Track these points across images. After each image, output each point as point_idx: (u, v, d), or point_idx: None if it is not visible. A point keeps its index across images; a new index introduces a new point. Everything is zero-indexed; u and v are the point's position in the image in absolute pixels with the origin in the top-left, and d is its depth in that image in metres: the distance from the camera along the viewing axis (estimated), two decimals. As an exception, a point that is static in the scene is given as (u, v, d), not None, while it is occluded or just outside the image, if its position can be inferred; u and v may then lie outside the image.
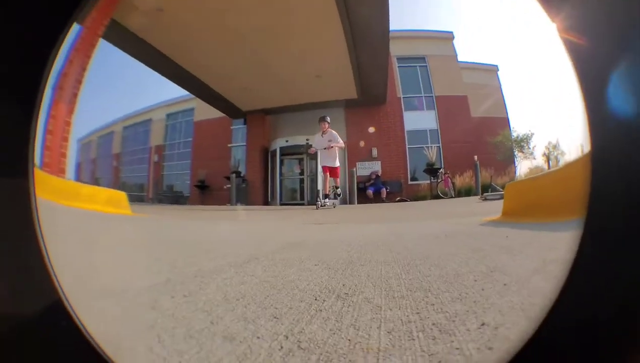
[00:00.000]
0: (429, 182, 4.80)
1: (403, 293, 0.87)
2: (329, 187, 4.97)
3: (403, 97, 5.01)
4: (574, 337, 0.47)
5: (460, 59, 5.24)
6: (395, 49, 4.74)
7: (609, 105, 0.46)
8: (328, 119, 4.96)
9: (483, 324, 0.68)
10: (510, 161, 4.57)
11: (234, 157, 4.17)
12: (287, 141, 4.20)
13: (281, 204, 4.19)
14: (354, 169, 4.43)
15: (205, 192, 4.12)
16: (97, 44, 3.64)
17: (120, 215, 2.99)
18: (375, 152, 4.59)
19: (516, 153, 4.59)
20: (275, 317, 0.76)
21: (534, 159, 4.15)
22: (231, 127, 4.25)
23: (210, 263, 1.25)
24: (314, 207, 4.59)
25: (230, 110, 4.10)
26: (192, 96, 4.30)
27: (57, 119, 3.43)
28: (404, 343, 0.63)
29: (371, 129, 4.74)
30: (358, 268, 1.12)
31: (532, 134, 4.26)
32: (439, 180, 4.72)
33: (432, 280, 0.96)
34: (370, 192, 4.55)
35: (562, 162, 3.17)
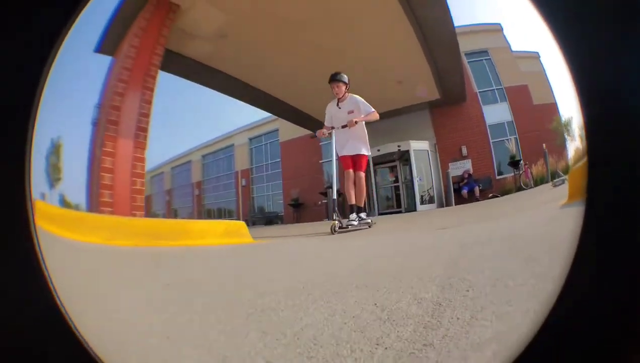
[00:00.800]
0: (512, 174, 4.63)
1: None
2: (354, 195, 3.57)
3: (479, 92, 4.84)
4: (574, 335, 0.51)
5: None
6: (461, 45, 4.64)
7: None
8: (345, 77, 3.56)
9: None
10: (564, 146, 4.52)
11: (326, 172, 4.01)
12: (378, 150, 4.00)
13: (380, 214, 4.02)
14: (448, 171, 4.20)
15: (299, 210, 4.00)
16: (156, 75, 3.82)
17: (251, 244, 3.04)
18: (465, 150, 4.37)
19: (566, 137, 4.54)
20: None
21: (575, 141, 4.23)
22: (320, 143, 4.11)
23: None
24: (335, 225, 3.27)
25: (316, 126, 3.96)
26: (274, 117, 4.27)
27: (119, 157, 3.56)
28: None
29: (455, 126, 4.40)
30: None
31: (572, 118, 4.25)
32: (520, 172, 4.53)
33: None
34: (464, 191, 4.30)
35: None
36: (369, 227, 3.51)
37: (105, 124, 3.58)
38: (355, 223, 3.44)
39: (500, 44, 5.14)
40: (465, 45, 4.66)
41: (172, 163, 4.08)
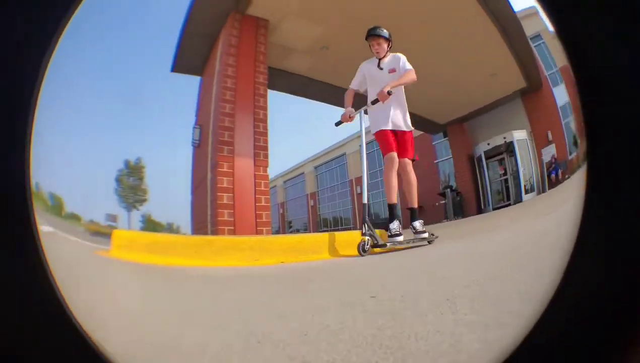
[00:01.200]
0: (576, 154, 4.86)
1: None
2: (395, 192, 2.83)
3: (548, 75, 5.06)
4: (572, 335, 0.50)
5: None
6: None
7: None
8: (385, 32, 3.02)
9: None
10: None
11: (443, 172, 4.10)
12: (488, 144, 4.11)
13: (494, 209, 4.15)
14: (543, 158, 4.40)
15: (420, 212, 4.08)
16: (266, 94, 3.95)
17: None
18: (550, 135, 4.57)
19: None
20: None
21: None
22: (433, 143, 4.18)
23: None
24: (365, 242, 2.47)
25: (427, 126, 4.04)
26: None
27: (238, 176, 3.63)
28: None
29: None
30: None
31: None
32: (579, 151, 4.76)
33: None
34: (553, 176, 4.55)
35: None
36: (429, 242, 2.68)
37: (216, 144, 3.69)
38: (401, 238, 2.62)
39: (543, 26, 5.36)
40: (527, 30, 4.85)
41: (284, 176, 4.09)
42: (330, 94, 4.10)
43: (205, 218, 3.75)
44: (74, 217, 2.35)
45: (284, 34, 4.15)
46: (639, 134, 0.48)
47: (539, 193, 4.50)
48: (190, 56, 3.46)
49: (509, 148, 4.15)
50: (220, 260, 2.38)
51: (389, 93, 2.81)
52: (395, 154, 2.92)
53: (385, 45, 2.99)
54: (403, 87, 3.01)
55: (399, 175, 2.98)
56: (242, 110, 3.82)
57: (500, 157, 4.29)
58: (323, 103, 4.14)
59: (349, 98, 3.14)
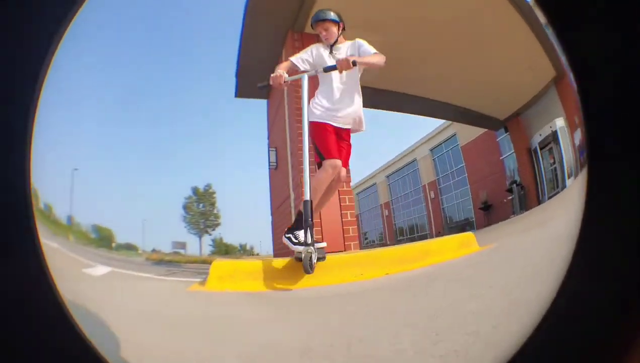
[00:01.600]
0: None
1: None
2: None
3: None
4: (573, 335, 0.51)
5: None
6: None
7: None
8: (332, 14, 2.49)
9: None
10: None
11: (508, 168, 4.17)
12: (540, 135, 4.24)
13: (548, 198, 4.35)
14: (574, 142, 4.67)
15: (490, 212, 4.14)
16: None
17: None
18: (576, 119, 4.87)
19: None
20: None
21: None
22: (496, 140, 4.26)
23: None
24: (309, 256, 2.05)
25: (490, 122, 4.12)
26: (448, 123, 4.26)
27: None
28: None
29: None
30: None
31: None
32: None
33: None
34: (580, 159, 4.86)
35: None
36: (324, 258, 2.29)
37: (298, 165, 3.42)
38: (324, 244, 2.39)
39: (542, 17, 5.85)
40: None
41: (356, 188, 3.98)
42: (396, 101, 4.04)
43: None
44: (129, 248, 2.32)
45: (344, 47, 3.96)
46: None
47: (575, 177, 4.81)
48: (253, 80, 3.21)
49: (555, 137, 4.32)
50: (328, 279, 2.26)
51: (354, 64, 2.26)
52: (340, 163, 2.38)
53: (334, 29, 2.47)
54: (360, 75, 2.55)
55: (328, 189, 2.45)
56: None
57: (550, 146, 4.48)
58: (390, 112, 4.09)
59: (283, 65, 2.43)
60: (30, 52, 0.48)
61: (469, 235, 2.94)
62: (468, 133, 4.16)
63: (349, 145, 2.55)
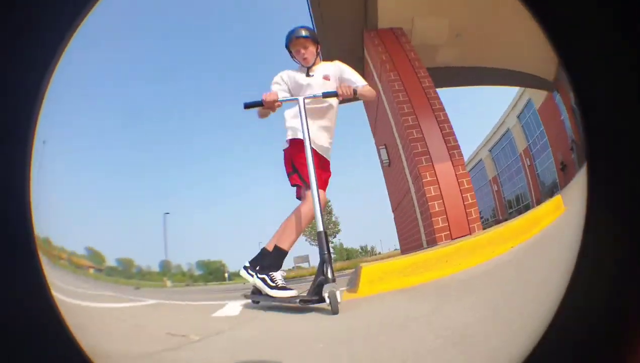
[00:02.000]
0: None
1: None
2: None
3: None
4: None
5: None
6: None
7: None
8: (311, 33, 2.32)
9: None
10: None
11: (567, 128, 3.33)
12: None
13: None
14: None
15: (565, 172, 3.43)
16: (437, 95, 4.08)
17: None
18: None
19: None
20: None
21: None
22: (555, 101, 3.58)
23: None
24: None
25: (543, 83, 3.50)
26: (522, 89, 3.98)
27: (443, 181, 3.72)
28: None
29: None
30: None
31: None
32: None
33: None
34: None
35: None
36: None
37: (413, 158, 3.86)
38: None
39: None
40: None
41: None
42: (479, 75, 4.22)
43: (414, 232, 4.18)
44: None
45: (420, 34, 4.34)
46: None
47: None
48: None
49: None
50: (464, 262, 2.23)
51: (355, 93, 2.20)
52: (324, 194, 2.27)
53: (313, 49, 2.34)
54: (336, 112, 2.40)
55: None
56: (423, 118, 3.89)
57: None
58: (478, 86, 3.97)
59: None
60: (34, 61, 0.49)
61: (557, 198, 2.88)
62: (537, 98, 3.82)
63: (326, 171, 2.42)
